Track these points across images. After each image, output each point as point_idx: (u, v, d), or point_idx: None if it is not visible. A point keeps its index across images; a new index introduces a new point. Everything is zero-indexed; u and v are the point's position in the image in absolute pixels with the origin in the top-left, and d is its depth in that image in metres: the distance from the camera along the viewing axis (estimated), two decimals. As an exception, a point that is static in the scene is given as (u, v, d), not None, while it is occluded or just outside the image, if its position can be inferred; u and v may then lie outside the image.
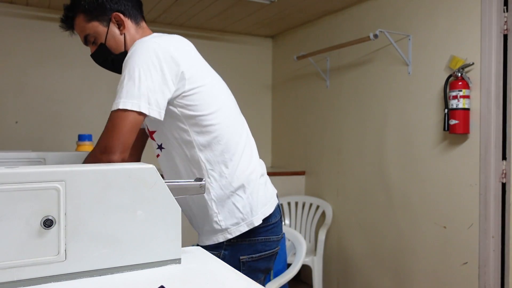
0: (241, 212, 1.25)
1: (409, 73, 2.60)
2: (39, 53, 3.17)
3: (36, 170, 0.74)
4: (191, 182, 0.99)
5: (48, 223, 0.73)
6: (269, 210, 1.31)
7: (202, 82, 1.23)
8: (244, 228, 1.26)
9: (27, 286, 0.73)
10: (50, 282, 0.75)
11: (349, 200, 3.09)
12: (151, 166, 0.85)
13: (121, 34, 1.33)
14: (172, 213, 0.86)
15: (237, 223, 1.25)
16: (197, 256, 0.94)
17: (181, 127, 1.23)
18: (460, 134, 2.27)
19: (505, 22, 2.15)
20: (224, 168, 1.25)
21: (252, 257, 1.28)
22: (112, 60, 1.35)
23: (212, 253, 1.07)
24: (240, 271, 1.13)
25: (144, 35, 1.34)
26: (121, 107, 1.11)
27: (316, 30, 3.44)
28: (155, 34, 1.29)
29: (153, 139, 1.32)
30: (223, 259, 1.25)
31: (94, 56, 1.39)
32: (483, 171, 2.18)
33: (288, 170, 3.66)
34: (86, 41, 1.37)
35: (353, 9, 3.05)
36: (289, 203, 3.51)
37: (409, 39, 2.58)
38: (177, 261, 0.87)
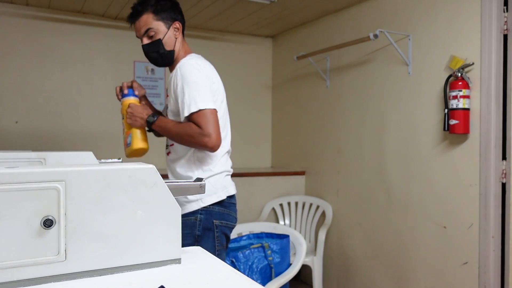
0: (213, 187, 1.68)
1: (409, 73, 2.60)
2: (39, 53, 3.17)
3: (36, 170, 0.74)
4: (191, 182, 0.99)
5: (48, 223, 0.73)
6: (231, 191, 1.75)
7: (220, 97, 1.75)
8: (214, 199, 1.67)
9: (27, 286, 0.73)
10: (50, 282, 0.75)
11: (349, 200, 3.09)
12: (151, 166, 0.85)
13: (175, 37, 1.76)
14: (172, 213, 0.86)
15: (209, 195, 1.66)
16: (197, 256, 0.95)
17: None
18: (460, 134, 2.27)
19: (505, 22, 2.15)
20: (209, 161, 1.72)
21: (221, 222, 1.68)
22: (162, 53, 1.73)
23: (189, 218, 1.64)
24: (214, 232, 1.66)
25: (183, 48, 1.80)
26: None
27: (316, 30, 3.44)
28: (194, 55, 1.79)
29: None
30: (200, 221, 1.65)
31: (148, 46, 1.73)
32: (483, 171, 2.18)
33: (288, 170, 3.66)
34: (144, 33, 1.72)
35: (353, 9, 3.05)
36: (289, 203, 3.51)
37: (409, 39, 2.58)
38: (177, 261, 0.87)
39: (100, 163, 1.49)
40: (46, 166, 0.95)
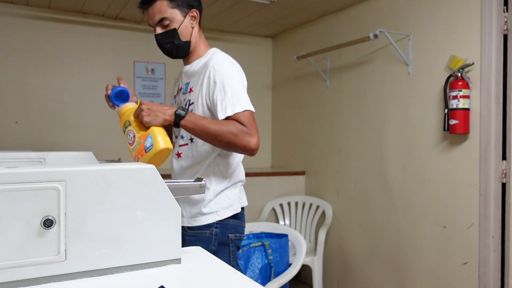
0: (229, 199, 1.58)
1: (409, 73, 2.60)
2: (39, 53, 3.17)
3: (36, 170, 0.74)
4: (191, 182, 0.99)
5: (48, 223, 0.73)
6: (245, 202, 1.66)
7: None
8: (230, 212, 1.57)
9: (27, 286, 0.73)
10: (50, 282, 0.75)
11: (349, 200, 3.09)
12: (151, 166, 0.85)
13: (191, 27, 1.59)
14: (172, 213, 0.86)
15: (225, 207, 1.57)
16: (197, 256, 0.95)
17: None
18: (460, 134, 2.27)
19: (505, 22, 2.15)
20: (232, 167, 1.60)
21: (236, 236, 1.59)
22: (177, 44, 1.57)
23: (204, 232, 1.55)
24: (229, 247, 1.57)
25: (201, 38, 1.65)
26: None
27: (316, 30, 3.44)
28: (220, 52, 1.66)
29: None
30: (216, 235, 1.55)
31: (162, 36, 1.57)
32: (483, 171, 2.18)
33: (288, 170, 3.66)
34: (158, 22, 1.55)
35: (353, 9, 3.05)
36: (289, 203, 3.51)
37: (409, 39, 2.58)
38: (177, 261, 0.87)
39: (100, 163, 1.49)
40: (46, 166, 0.95)
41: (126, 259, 0.81)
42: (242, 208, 1.65)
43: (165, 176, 0.89)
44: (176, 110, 1.43)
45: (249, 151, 1.45)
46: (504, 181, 2.15)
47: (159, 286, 0.72)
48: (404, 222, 2.63)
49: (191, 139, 1.58)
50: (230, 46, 3.88)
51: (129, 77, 3.44)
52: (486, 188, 2.17)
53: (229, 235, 1.57)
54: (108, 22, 3.34)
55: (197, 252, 0.97)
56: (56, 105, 3.23)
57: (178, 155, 1.63)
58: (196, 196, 1.54)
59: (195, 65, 1.62)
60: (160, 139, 1.42)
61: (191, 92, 1.60)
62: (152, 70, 3.53)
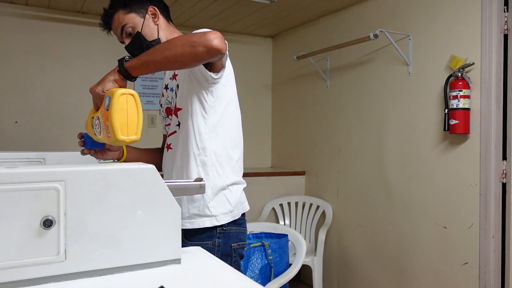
0: (230, 204, 1.43)
1: (409, 73, 2.60)
2: (39, 53, 3.17)
3: (36, 170, 0.74)
4: (191, 182, 0.99)
5: (48, 223, 0.73)
6: (246, 207, 1.53)
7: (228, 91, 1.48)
8: (230, 218, 1.43)
9: (27, 286, 0.73)
10: (50, 282, 0.74)
11: (349, 200, 3.09)
12: (151, 166, 0.85)
13: (155, 24, 1.50)
14: (172, 213, 0.86)
15: (225, 213, 1.43)
16: (197, 256, 0.94)
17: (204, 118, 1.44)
18: (460, 134, 2.27)
19: (505, 22, 2.15)
20: (225, 163, 1.45)
21: (239, 245, 1.47)
22: (147, 46, 1.46)
23: (206, 243, 1.39)
24: (232, 257, 1.44)
25: (174, 32, 1.52)
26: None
27: (316, 30, 3.44)
28: None
29: (176, 116, 1.47)
30: (218, 246, 1.42)
31: (130, 45, 1.50)
32: (483, 171, 2.18)
33: (288, 170, 3.66)
34: (122, 33, 1.50)
35: (353, 9, 3.05)
36: (289, 203, 3.51)
37: (409, 39, 2.58)
38: (177, 261, 0.87)
39: (99, 163, 1.49)
40: (46, 166, 0.94)
41: (126, 259, 0.81)
42: (243, 214, 1.52)
43: (165, 176, 0.89)
44: (118, 63, 1.31)
45: (215, 50, 1.16)
46: (504, 181, 2.14)
47: (159, 286, 0.71)
48: (404, 222, 2.63)
49: (178, 125, 1.44)
50: (230, 46, 3.86)
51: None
52: (486, 188, 2.17)
53: (232, 244, 1.45)
54: (108, 22, 3.34)
55: (197, 252, 0.97)
56: (56, 105, 3.22)
57: (168, 147, 1.50)
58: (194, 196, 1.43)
59: None
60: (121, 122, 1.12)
61: (176, 76, 1.48)
62: (152, 70, 3.53)
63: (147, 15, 1.49)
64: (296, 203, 3.51)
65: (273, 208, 3.49)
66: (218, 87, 1.41)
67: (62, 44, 3.23)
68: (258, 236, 2.77)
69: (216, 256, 1.35)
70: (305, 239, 2.98)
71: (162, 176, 0.88)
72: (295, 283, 3.39)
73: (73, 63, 3.27)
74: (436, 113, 2.43)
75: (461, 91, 2.19)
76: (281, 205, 3.50)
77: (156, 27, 1.50)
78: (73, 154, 1.55)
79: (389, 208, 2.74)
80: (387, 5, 2.76)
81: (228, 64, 1.44)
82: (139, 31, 1.48)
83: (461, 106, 2.19)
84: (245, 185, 1.55)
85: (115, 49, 3.42)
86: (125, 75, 1.29)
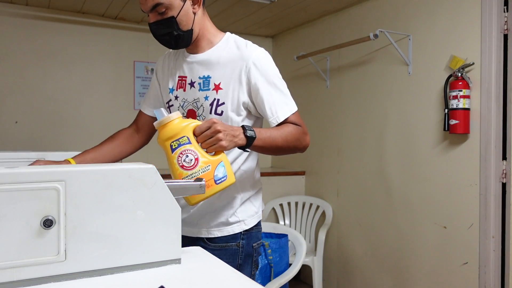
0: (255, 206, 1.45)
1: (409, 73, 2.60)
2: (39, 53, 3.17)
3: (36, 170, 0.74)
4: (191, 182, 0.99)
5: (48, 223, 0.73)
6: (263, 205, 1.55)
7: None
8: (256, 220, 1.45)
9: (27, 286, 0.73)
10: (50, 282, 0.74)
11: (349, 200, 3.09)
12: (151, 166, 0.85)
13: (193, 12, 1.35)
14: (172, 213, 0.86)
15: (251, 215, 1.43)
16: (197, 256, 0.94)
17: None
18: (460, 134, 2.27)
19: (505, 22, 2.15)
20: (256, 172, 1.48)
21: (258, 244, 1.47)
22: (177, 35, 1.33)
23: (230, 245, 1.39)
24: (253, 257, 1.43)
25: (208, 21, 1.43)
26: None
27: (316, 30, 3.44)
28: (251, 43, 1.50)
29: None
30: (242, 247, 1.40)
31: (158, 25, 1.32)
32: (483, 171, 2.18)
33: (288, 170, 3.66)
34: (152, 8, 1.29)
35: (353, 9, 3.05)
36: (289, 203, 3.51)
37: (409, 39, 2.58)
38: (177, 261, 0.87)
39: (99, 163, 1.49)
40: (46, 166, 0.94)
41: (126, 259, 0.81)
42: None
43: (165, 176, 0.89)
44: (245, 132, 1.21)
45: (305, 149, 1.39)
46: (504, 181, 2.15)
47: (159, 286, 0.72)
48: (404, 222, 2.63)
49: None
50: (230, 46, 3.88)
51: (129, 77, 3.44)
52: (486, 188, 2.17)
53: (253, 244, 1.44)
54: (108, 22, 3.34)
55: (197, 252, 0.97)
56: (56, 105, 3.22)
57: None
58: (221, 204, 1.39)
59: (214, 55, 1.41)
60: (231, 170, 1.19)
61: (219, 90, 1.36)
62: (152, 70, 3.53)
63: (187, 0, 1.32)
64: (296, 203, 3.51)
65: (273, 208, 3.49)
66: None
67: (62, 44, 3.23)
68: (258, 236, 2.77)
69: (241, 257, 1.40)
70: (305, 239, 2.98)
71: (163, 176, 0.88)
72: (295, 283, 3.40)
73: (73, 63, 3.27)
74: (436, 113, 2.43)
75: (461, 91, 2.19)
76: (281, 205, 3.50)
77: (193, 16, 1.34)
78: (73, 154, 1.55)
79: (389, 208, 2.74)
80: (387, 5, 2.76)
81: None
82: (175, 16, 1.30)
83: (461, 106, 2.19)
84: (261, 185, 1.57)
85: (115, 49, 3.43)
86: (246, 146, 1.24)
